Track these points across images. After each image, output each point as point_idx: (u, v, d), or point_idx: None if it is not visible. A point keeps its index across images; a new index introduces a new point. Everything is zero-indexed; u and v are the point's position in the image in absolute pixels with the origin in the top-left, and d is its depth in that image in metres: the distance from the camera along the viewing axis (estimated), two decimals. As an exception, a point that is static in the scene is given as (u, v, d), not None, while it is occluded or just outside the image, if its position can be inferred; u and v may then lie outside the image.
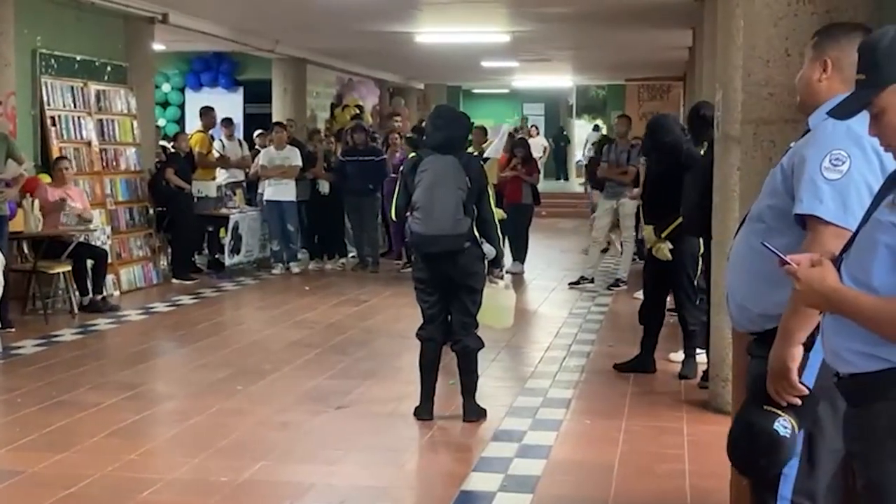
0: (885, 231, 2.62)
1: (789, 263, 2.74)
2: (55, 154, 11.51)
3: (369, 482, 5.79)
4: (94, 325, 10.27)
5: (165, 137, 16.68)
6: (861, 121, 2.96)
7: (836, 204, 3.13)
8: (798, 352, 3.13)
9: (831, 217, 3.12)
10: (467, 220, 6.58)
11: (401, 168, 7.12)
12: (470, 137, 9.71)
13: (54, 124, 11.70)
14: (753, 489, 3.49)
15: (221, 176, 14.79)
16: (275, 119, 17.31)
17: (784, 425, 3.17)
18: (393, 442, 6.52)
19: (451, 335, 6.83)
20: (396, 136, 15.65)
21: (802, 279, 2.70)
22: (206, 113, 14.92)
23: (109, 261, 11.57)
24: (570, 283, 13.16)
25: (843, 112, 2.82)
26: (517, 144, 15.50)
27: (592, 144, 22.35)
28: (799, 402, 3.16)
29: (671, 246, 7.97)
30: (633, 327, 8.64)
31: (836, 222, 3.11)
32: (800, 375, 3.23)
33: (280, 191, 14.04)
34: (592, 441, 6.58)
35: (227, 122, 15.58)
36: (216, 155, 14.60)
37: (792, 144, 3.45)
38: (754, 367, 3.46)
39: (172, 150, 13.86)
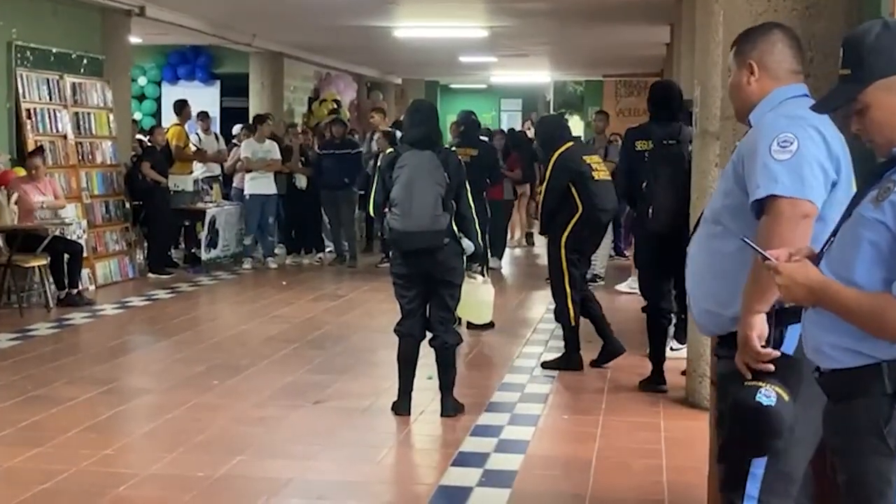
0: (868, 227, 2.62)
1: (769, 258, 2.74)
2: (31, 147, 11.44)
3: (347, 477, 5.77)
4: (70, 319, 10.21)
5: (142, 131, 16.60)
6: (801, 104, 3.13)
7: (791, 179, 3.15)
8: (757, 320, 3.14)
9: (788, 192, 3.15)
10: (446, 216, 6.56)
11: (378, 164, 7.09)
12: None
13: (30, 117, 11.62)
14: (721, 490, 3.46)
15: (198, 170, 14.74)
16: (252, 113, 17.26)
17: (767, 394, 3.13)
18: (371, 437, 6.51)
19: (429, 330, 6.82)
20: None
21: (784, 273, 2.69)
22: (182, 106, 14.86)
23: (85, 255, 11.51)
24: (547, 279, 13.13)
25: (825, 106, 2.82)
26: (496, 135, 15.65)
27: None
28: (772, 367, 3.14)
29: None
30: (609, 322, 8.65)
31: (793, 195, 3.14)
32: (777, 347, 3.23)
33: (262, 184, 14.04)
34: (570, 436, 6.59)
35: (204, 115, 15.51)
36: (193, 149, 14.55)
37: (738, 143, 3.48)
38: (723, 367, 3.46)
39: (149, 144, 13.80)
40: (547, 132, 8.53)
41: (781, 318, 3.21)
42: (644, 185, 7.53)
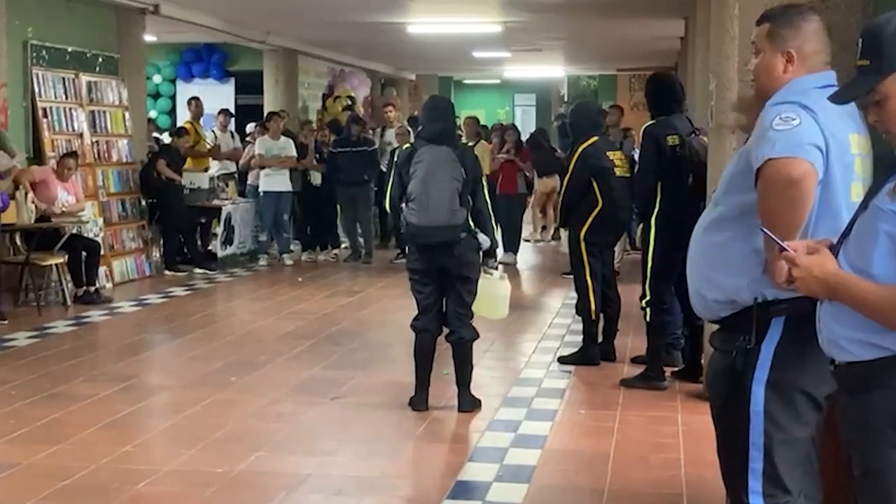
0: (886, 219, 2.61)
1: (787, 250, 2.73)
2: (47, 145, 11.51)
3: (365, 472, 5.79)
4: (88, 317, 10.25)
5: (162, 129, 16.66)
6: (817, 95, 3.06)
7: (786, 144, 3.04)
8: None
9: (782, 153, 3.03)
10: (463, 211, 6.58)
11: (395, 159, 7.11)
12: None
13: (46, 116, 11.66)
14: (726, 486, 3.47)
15: (214, 167, 14.77)
16: (267, 110, 17.28)
17: None
18: (388, 432, 6.53)
19: (445, 326, 6.82)
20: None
21: (802, 265, 2.69)
22: (195, 103, 14.92)
23: (102, 252, 11.54)
24: (563, 273, 13.14)
25: (843, 97, 2.81)
26: (508, 129, 15.66)
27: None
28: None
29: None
30: (626, 316, 8.64)
31: (787, 154, 3.02)
32: (753, 369, 3.23)
33: (277, 181, 14.06)
34: (587, 431, 6.59)
35: (225, 112, 15.54)
36: (207, 146, 14.58)
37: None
38: (717, 362, 3.46)
39: (166, 143, 13.83)
40: (577, 120, 8.57)
41: (766, 310, 3.21)
42: (690, 178, 7.35)
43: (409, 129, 14.79)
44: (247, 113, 18.82)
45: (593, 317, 8.15)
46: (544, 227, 17.76)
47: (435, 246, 6.59)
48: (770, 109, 3.19)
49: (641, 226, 7.71)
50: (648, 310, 7.48)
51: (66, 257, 10.74)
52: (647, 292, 7.48)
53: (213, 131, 15.19)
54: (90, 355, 8.71)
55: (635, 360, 8.15)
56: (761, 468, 3.28)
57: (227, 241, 13.98)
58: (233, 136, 15.63)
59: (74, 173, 11.23)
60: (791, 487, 3.30)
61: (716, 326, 3.52)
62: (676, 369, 7.70)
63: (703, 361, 7.53)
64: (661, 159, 7.39)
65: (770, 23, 3.33)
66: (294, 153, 14.23)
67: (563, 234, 12.89)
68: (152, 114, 18.80)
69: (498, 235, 9.67)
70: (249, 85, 19.94)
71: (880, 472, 2.71)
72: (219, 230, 13.87)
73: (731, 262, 3.27)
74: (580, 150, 8.12)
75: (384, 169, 14.56)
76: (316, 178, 14.68)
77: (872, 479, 2.74)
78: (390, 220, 14.48)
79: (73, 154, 11.34)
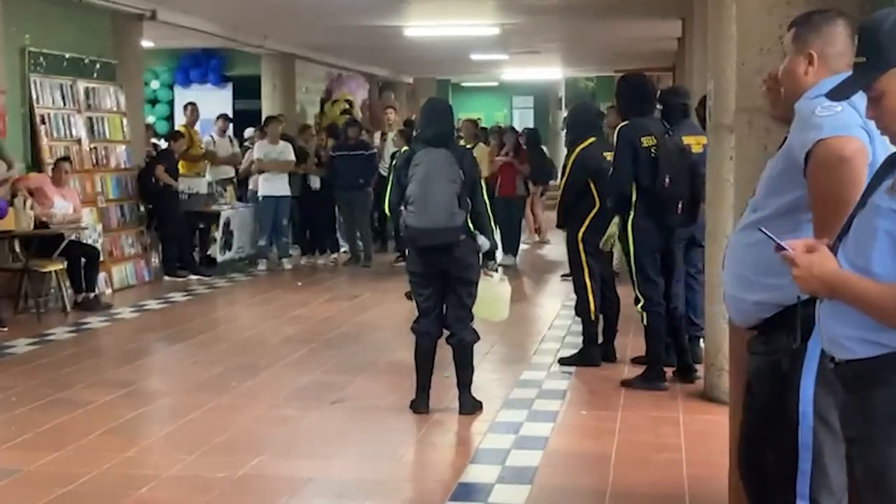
0: (885, 217, 2.60)
1: (786, 249, 2.72)
2: (45, 152, 11.50)
3: (367, 475, 5.78)
4: (87, 323, 10.24)
5: (160, 135, 16.66)
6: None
7: (835, 125, 3.06)
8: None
9: (832, 133, 3.06)
10: (462, 213, 6.58)
11: (393, 162, 7.11)
12: None
13: (44, 122, 11.66)
14: (770, 496, 3.45)
15: (210, 173, 14.75)
16: (265, 115, 17.28)
17: None
18: (390, 435, 6.52)
19: (446, 328, 6.82)
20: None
21: (801, 264, 2.68)
22: (191, 108, 14.94)
23: (101, 259, 11.53)
24: (562, 275, 13.15)
25: (840, 94, 2.81)
26: (505, 131, 15.68)
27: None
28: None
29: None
30: (625, 317, 8.63)
31: (837, 134, 3.06)
32: (801, 367, 3.21)
33: (275, 186, 14.06)
34: (589, 431, 6.59)
35: (223, 117, 15.56)
36: (201, 150, 14.56)
37: (786, 136, 3.43)
38: (760, 366, 3.44)
39: (164, 148, 13.82)
40: (575, 121, 8.62)
41: (811, 307, 3.20)
42: (667, 180, 7.34)
43: (408, 132, 14.78)
44: (245, 118, 18.81)
45: (593, 317, 8.16)
46: (537, 230, 17.77)
47: (434, 248, 6.59)
48: (807, 102, 3.22)
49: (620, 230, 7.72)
50: (644, 313, 7.48)
51: (66, 263, 10.74)
52: (639, 296, 7.49)
53: (211, 136, 15.18)
54: (90, 361, 8.71)
55: (635, 361, 8.15)
56: (810, 469, 3.27)
57: (227, 245, 13.96)
58: (231, 141, 15.63)
59: (70, 177, 11.20)
60: (838, 490, 3.29)
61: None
62: (675, 367, 7.70)
63: (690, 361, 7.59)
64: (636, 161, 7.39)
65: (796, 27, 3.40)
66: (293, 157, 14.24)
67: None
68: (150, 119, 18.81)
69: (497, 237, 9.68)
70: (247, 90, 19.95)
71: (882, 468, 2.70)
72: (218, 235, 13.86)
73: (773, 260, 3.23)
74: (577, 151, 8.13)
75: (384, 173, 14.56)
76: (315, 183, 14.68)
77: (874, 477, 2.73)
78: (390, 223, 14.48)
79: (66, 158, 11.33)
